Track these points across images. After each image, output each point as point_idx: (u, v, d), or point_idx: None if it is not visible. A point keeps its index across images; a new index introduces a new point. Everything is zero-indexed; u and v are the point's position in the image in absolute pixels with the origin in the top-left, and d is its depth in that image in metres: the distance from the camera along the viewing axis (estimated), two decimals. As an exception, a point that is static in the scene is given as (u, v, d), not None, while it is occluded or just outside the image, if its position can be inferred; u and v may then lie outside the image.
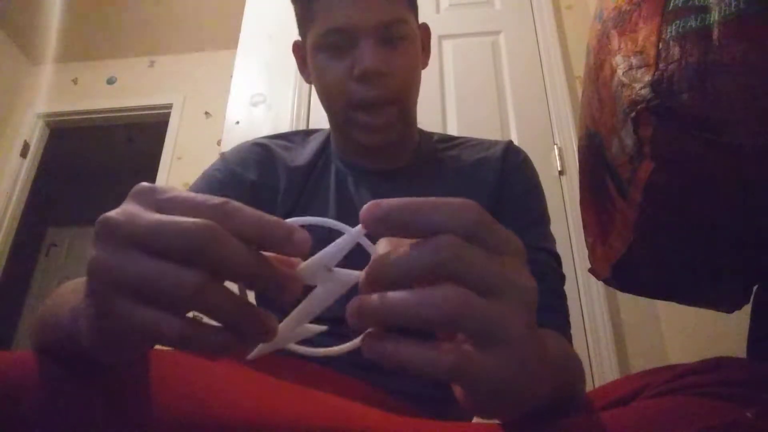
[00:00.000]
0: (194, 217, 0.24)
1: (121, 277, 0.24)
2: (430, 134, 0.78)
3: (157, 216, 0.24)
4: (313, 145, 0.74)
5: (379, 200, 0.25)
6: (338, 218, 0.28)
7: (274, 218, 0.25)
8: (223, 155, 0.72)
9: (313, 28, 0.65)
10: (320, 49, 0.65)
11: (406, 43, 0.65)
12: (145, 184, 0.27)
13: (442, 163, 0.72)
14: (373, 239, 0.28)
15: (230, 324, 0.24)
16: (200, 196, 0.26)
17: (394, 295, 0.24)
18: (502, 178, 0.69)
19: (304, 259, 0.27)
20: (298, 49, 0.73)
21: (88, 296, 0.26)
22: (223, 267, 0.24)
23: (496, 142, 0.75)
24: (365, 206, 0.25)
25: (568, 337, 0.59)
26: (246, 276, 0.25)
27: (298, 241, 0.25)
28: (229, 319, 0.24)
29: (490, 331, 0.24)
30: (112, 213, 0.25)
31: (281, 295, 0.25)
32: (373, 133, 0.65)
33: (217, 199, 0.25)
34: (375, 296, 0.24)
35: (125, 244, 0.24)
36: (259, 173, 0.68)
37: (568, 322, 0.61)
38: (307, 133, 0.78)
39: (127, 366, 0.35)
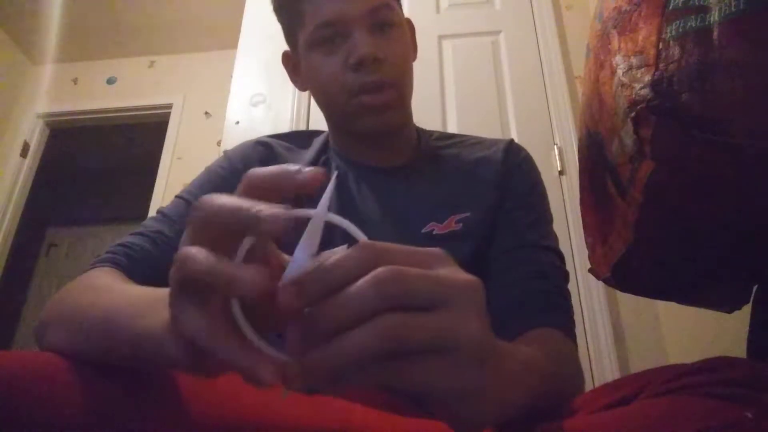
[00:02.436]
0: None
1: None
2: (430, 132, 0.78)
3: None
4: (314, 146, 0.75)
5: (294, 278, 0.25)
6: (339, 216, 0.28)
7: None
8: (226, 153, 0.72)
9: (303, 30, 0.66)
10: (313, 47, 0.65)
11: (396, 29, 0.66)
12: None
13: (443, 161, 0.72)
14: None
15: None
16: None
17: (337, 347, 0.24)
18: (503, 177, 0.69)
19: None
20: (287, 59, 0.74)
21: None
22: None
23: (497, 141, 0.75)
24: (282, 289, 0.25)
25: (572, 337, 0.58)
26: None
27: (308, 175, 0.27)
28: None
29: (438, 343, 0.24)
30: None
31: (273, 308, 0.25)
32: (378, 114, 0.65)
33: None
34: (321, 351, 0.24)
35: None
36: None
37: (572, 321, 0.60)
38: (309, 135, 0.78)
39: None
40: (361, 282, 0.24)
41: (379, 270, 0.24)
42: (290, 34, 0.70)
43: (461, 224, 0.65)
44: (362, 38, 0.62)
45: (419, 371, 0.24)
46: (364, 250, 0.25)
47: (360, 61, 0.62)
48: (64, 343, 0.37)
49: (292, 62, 0.73)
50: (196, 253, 0.25)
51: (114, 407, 0.33)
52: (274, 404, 0.38)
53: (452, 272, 0.27)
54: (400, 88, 0.66)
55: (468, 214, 0.65)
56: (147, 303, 0.32)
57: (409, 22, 0.74)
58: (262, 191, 0.27)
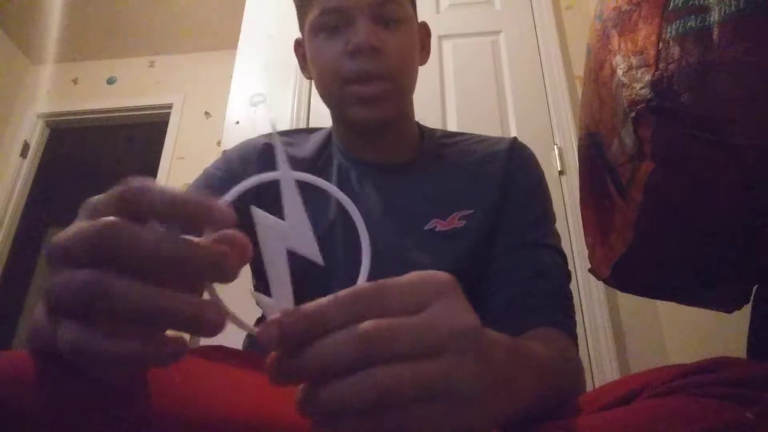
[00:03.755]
0: (99, 216, 0.24)
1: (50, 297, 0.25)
2: (433, 130, 0.78)
3: (68, 229, 0.25)
4: (314, 141, 0.74)
5: (277, 319, 0.24)
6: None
7: (190, 195, 0.25)
8: (224, 153, 0.72)
9: (310, 14, 0.66)
10: (316, 31, 0.66)
11: (402, 25, 0.66)
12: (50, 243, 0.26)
13: (447, 158, 0.72)
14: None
15: (154, 316, 0.24)
16: (105, 195, 0.26)
17: (331, 391, 0.24)
18: (507, 175, 0.69)
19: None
20: (299, 47, 0.74)
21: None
22: (131, 256, 0.23)
23: (501, 139, 0.75)
24: (263, 329, 0.24)
25: (573, 336, 0.58)
26: (160, 258, 0.24)
27: (219, 214, 0.25)
28: (147, 308, 0.23)
29: (432, 392, 0.24)
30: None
31: (224, 266, 0.24)
32: (366, 106, 0.64)
33: (117, 190, 0.25)
34: (315, 393, 0.24)
35: (55, 264, 0.25)
36: (260, 171, 0.68)
37: (574, 321, 0.60)
38: (309, 131, 0.78)
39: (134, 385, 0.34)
40: (343, 338, 0.24)
41: (364, 325, 0.24)
42: (301, 18, 0.71)
43: (464, 221, 0.65)
44: (363, 26, 0.62)
45: (415, 418, 0.24)
46: (350, 298, 0.25)
47: (357, 48, 0.61)
48: (30, 344, 0.37)
49: (302, 50, 0.73)
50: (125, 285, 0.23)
51: (86, 406, 0.33)
52: (270, 404, 0.38)
53: (448, 312, 0.26)
54: (395, 81, 0.65)
55: (471, 212, 0.65)
56: None
57: (424, 26, 0.74)
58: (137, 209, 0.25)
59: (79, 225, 0.25)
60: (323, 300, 0.25)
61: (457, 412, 0.25)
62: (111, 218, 0.24)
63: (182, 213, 0.25)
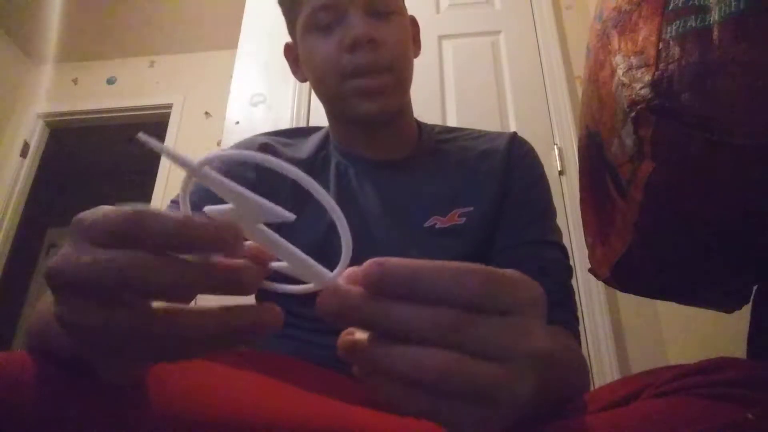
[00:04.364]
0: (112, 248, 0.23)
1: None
2: (431, 126, 0.78)
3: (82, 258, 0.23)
4: (313, 141, 0.74)
5: (380, 259, 0.24)
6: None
7: (197, 220, 0.24)
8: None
9: (301, 15, 0.66)
10: (309, 30, 0.65)
11: (395, 16, 0.66)
12: (75, 219, 0.25)
13: (446, 154, 0.72)
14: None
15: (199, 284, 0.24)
16: (109, 221, 0.24)
17: (391, 350, 0.23)
18: (506, 170, 0.68)
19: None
20: (289, 50, 0.74)
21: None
22: (160, 234, 0.23)
23: (500, 134, 0.75)
24: (366, 264, 0.24)
25: (576, 332, 0.58)
26: (186, 234, 0.23)
27: (228, 236, 0.24)
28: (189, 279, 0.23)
29: (485, 396, 0.23)
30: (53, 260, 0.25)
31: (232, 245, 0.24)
32: (370, 99, 0.63)
33: (124, 216, 0.24)
34: (375, 347, 0.24)
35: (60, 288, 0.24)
36: (259, 171, 0.68)
37: (576, 317, 0.60)
38: (307, 131, 0.78)
39: (132, 384, 0.34)
40: (431, 316, 0.23)
41: (454, 316, 0.23)
42: (291, 23, 0.70)
43: (464, 218, 0.64)
44: (358, 19, 0.62)
45: (452, 411, 0.24)
46: (457, 274, 0.24)
47: (355, 42, 0.61)
48: (28, 343, 0.37)
49: (293, 54, 0.73)
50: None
51: (75, 404, 0.33)
52: (270, 405, 0.38)
53: (532, 330, 0.25)
54: (396, 72, 0.65)
55: (471, 208, 0.65)
56: None
57: (413, 19, 0.73)
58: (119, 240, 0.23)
59: (103, 210, 0.24)
60: (429, 263, 0.24)
61: (488, 417, 0.24)
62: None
63: (191, 240, 0.24)
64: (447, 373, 0.23)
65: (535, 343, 0.25)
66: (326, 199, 0.24)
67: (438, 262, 0.24)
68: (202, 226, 0.24)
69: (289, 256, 0.26)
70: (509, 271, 0.26)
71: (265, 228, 0.26)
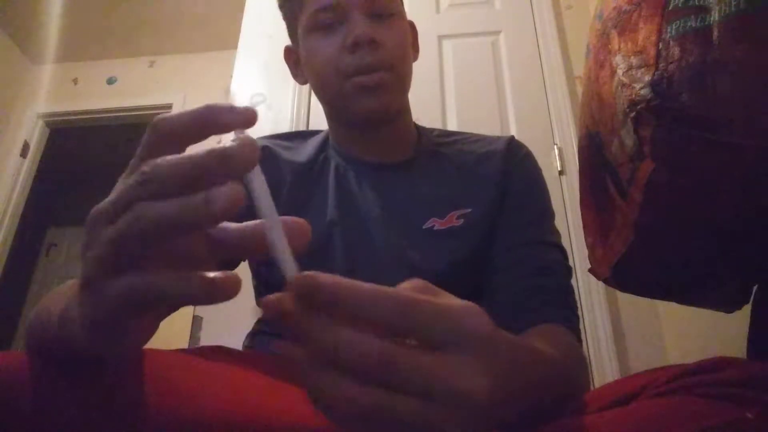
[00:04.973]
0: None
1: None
2: (430, 129, 0.78)
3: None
4: (312, 144, 0.75)
5: (313, 273, 0.24)
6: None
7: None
8: None
9: (302, 16, 0.67)
10: (311, 31, 0.66)
11: (394, 18, 0.67)
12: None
13: (444, 157, 0.72)
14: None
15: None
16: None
17: (336, 335, 0.23)
18: (504, 173, 0.69)
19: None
20: (289, 53, 0.74)
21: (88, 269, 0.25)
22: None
23: (498, 138, 0.75)
24: (297, 276, 0.24)
25: (576, 332, 0.59)
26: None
27: (240, 111, 0.26)
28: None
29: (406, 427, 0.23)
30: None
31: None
32: (369, 96, 0.64)
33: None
34: (326, 329, 0.23)
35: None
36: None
37: (576, 317, 0.61)
38: (306, 135, 0.78)
39: (122, 362, 0.34)
40: (365, 348, 0.23)
41: (389, 350, 0.23)
42: (292, 26, 0.71)
43: (462, 220, 0.65)
44: (360, 21, 0.63)
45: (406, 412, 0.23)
46: (392, 302, 0.24)
47: (356, 42, 0.62)
48: (27, 342, 0.37)
49: (293, 57, 0.74)
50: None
51: (72, 404, 0.33)
52: (268, 404, 0.38)
53: (464, 369, 0.24)
54: (396, 71, 0.65)
55: (469, 210, 0.65)
56: (71, 291, 0.30)
57: (411, 24, 0.74)
58: (176, 142, 0.26)
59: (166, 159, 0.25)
60: (361, 285, 0.24)
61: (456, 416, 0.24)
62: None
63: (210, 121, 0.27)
64: (373, 408, 0.22)
65: (459, 383, 0.23)
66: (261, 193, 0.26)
67: (369, 286, 0.24)
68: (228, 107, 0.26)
69: (270, 222, 0.26)
70: (455, 303, 0.25)
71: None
